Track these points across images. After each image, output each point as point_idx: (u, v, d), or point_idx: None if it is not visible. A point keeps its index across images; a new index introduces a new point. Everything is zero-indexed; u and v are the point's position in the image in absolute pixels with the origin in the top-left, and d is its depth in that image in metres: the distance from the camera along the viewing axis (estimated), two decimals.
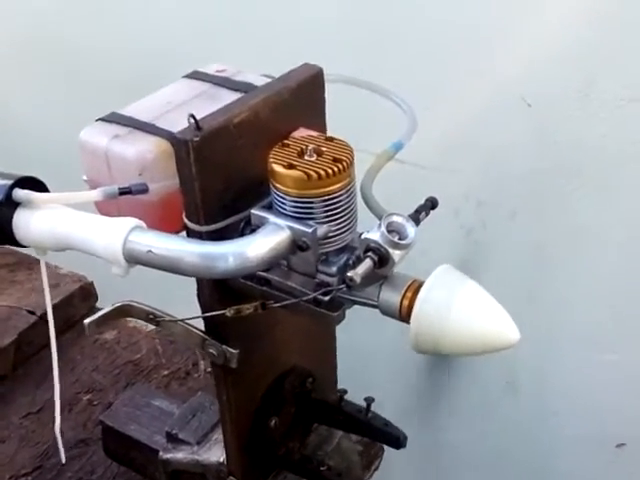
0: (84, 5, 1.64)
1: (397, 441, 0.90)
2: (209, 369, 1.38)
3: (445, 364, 1.50)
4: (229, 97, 0.82)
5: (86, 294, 1.52)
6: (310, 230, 0.69)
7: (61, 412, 0.92)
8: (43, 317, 1.40)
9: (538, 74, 1.28)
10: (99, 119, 0.81)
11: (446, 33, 1.28)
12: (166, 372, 1.37)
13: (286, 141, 0.73)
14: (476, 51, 1.28)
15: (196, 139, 0.70)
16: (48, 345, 0.86)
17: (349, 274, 0.67)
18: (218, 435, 1.01)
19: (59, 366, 0.88)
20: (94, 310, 1.52)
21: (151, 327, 1.50)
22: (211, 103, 0.81)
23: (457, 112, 1.32)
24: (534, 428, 1.56)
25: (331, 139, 0.73)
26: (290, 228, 0.70)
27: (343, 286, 0.71)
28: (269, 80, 0.85)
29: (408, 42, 1.29)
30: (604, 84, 1.23)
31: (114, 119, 0.80)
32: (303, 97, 0.81)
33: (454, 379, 1.57)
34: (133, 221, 0.71)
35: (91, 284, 1.54)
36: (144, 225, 0.72)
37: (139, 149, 0.76)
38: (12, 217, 0.74)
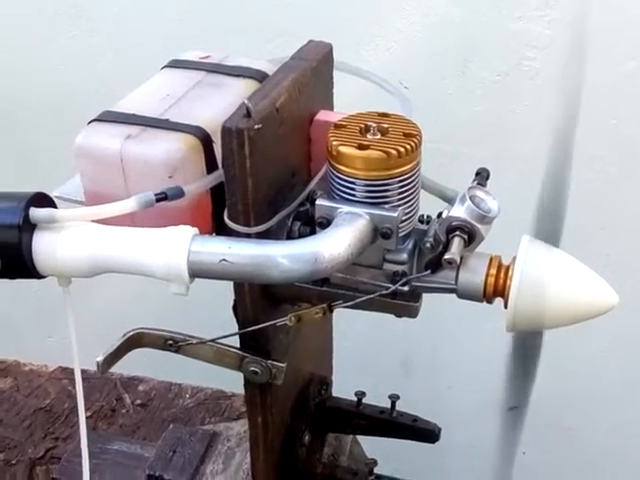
0: None
1: (432, 435, 0.85)
2: (137, 401, 1.25)
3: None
4: (233, 83, 0.74)
5: None
6: (395, 214, 0.63)
7: None
8: None
9: (414, 56, 1.29)
10: (94, 120, 0.69)
11: (324, 25, 1.26)
12: (88, 413, 1.22)
13: (339, 122, 0.66)
14: (355, 39, 1.27)
15: (256, 127, 0.61)
16: None
17: (446, 257, 0.62)
18: (213, 466, 0.92)
19: None
20: None
21: (53, 367, 1.34)
22: (217, 91, 0.73)
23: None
24: (430, 404, 1.57)
25: (386, 115, 0.67)
26: (370, 215, 0.63)
27: (427, 272, 0.65)
28: (261, 62, 0.77)
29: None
30: (479, 62, 1.27)
31: (113, 118, 0.69)
32: (321, 76, 0.74)
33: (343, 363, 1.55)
34: (188, 229, 0.61)
35: None
36: (197, 231, 0.62)
37: (166, 148, 0.65)
38: (31, 242, 0.60)
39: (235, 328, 0.73)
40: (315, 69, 0.72)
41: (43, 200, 0.62)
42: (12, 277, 0.62)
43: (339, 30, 1.27)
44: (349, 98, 0.82)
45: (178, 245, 0.59)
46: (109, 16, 1.35)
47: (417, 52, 1.29)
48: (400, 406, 0.89)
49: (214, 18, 1.29)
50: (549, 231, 0.69)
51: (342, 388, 0.94)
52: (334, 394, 0.92)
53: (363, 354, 1.51)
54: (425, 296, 0.71)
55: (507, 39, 1.24)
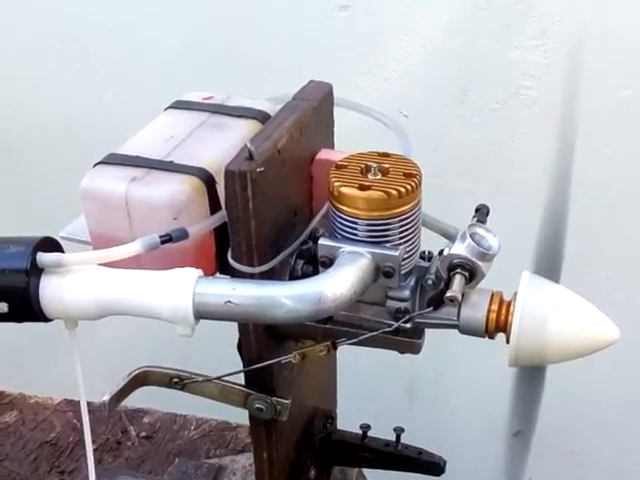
0: None
1: (437, 467, 0.85)
2: (142, 434, 1.25)
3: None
4: (237, 124, 0.75)
5: None
6: (397, 253, 0.64)
7: None
8: None
9: (412, 86, 1.31)
10: (99, 163, 0.70)
11: (323, 56, 1.28)
12: (94, 446, 1.22)
13: (340, 162, 0.67)
14: (353, 69, 1.29)
15: (259, 170, 0.62)
16: None
17: (448, 294, 0.63)
18: None
19: None
20: None
21: (58, 400, 1.35)
22: (220, 132, 0.74)
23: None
24: (434, 431, 1.57)
25: (386, 154, 0.68)
26: (372, 254, 0.64)
27: (429, 309, 0.66)
28: (263, 102, 0.78)
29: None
30: (477, 90, 1.28)
31: (118, 161, 0.70)
32: (321, 116, 0.75)
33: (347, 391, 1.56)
34: (193, 271, 0.62)
35: None
36: (202, 272, 0.63)
37: (170, 190, 0.66)
38: (38, 286, 0.61)
39: (239, 365, 0.74)
40: (316, 109, 0.73)
41: (50, 244, 0.63)
42: (19, 321, 0.63)
43: (337, 60, 1.28)
44: (348, 133, 0.83)
45: (183, 287, 0.60)
46: (112, 52, 1.37)
47: (415, 82, 1.30)
48: (404, 434, 0.89)
49: (213, 55, 1.31)
50: (550, 258, 0.70)
51: (346, 417, 0.95)
52: (338, 424, 0.92)
53: (366, 381, 1.52)
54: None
55: (504, 68, 1.25)
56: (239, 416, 1.23)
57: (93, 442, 1.21)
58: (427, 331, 0.72)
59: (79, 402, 1.28)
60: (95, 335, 1.33)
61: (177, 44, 1.33)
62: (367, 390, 1.51)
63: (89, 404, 0.72)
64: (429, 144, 1.30)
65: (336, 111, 0.82)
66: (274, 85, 0.82)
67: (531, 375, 0.75)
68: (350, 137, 0.80)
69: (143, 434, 1.24)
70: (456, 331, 0.75)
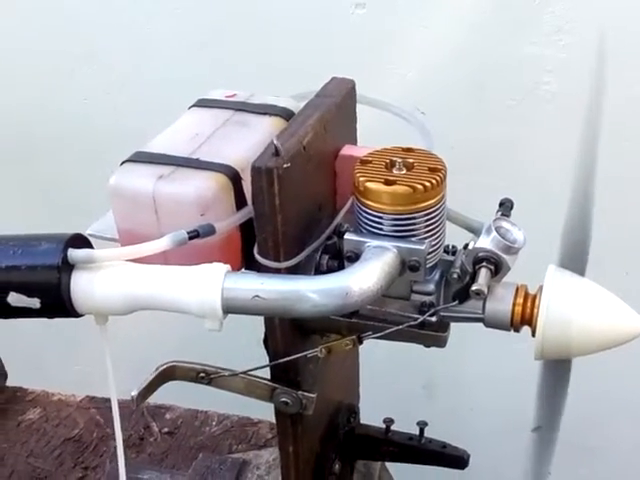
0: None
1: (461, 461, 0.86)
2: (164, 430, 1.26)
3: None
4: (260, 121, 0.76)
5: None
6: (422, 247, 0.64)
7: None
8: None
9: (430, 83, 1.31)
10: (125, 161, 0.71)
11: (340, 55, 1.28)
12: None
13: (365, 158, 0.67)
14: (371, 66, 1.29)
15: (285, 166, 0.62)
16: None
17: (474, 288, 0.63)
18: None
19: None
20: (4, 390, 1.35)
21: (81, 397, 1.36)
22: (244, 129, 0.75)
23: None
24: (452, 427, 1.57)
25: (410, 149, 0.68)
26: (397, 248, 0.64)
27: (454, 303, 0.67)
28: (286, 99, 0.79)
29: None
30: (495, 86, 1.28)
31: (145, 159, 0.71)
32: (345, 112, 0.76)
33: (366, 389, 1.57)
34: (221, 266, 0.62)
35: None
36: (229, 268, 0.63)
37: (197, 187, 0.67)
38: (69, 282, 0.62)
39: (265, 360, 0.75)
40: (339, 105, 0.73)
41: (80, 241, 0.64)
42: (50, 316, 0.64)
43: (353, 57, 1.29)
44: (370, 129, 0.84)
45: (212, 282, 0.61)
46: (128, 52, 1.38)
47: (433, 78, 1.31)
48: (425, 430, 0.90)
49: (229, 54, 1.32)
50: (574, 256, 0.70)
51: (365, 413, 0.95)
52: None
53: (385, 378, 1.52)
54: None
55: (522, 64, 1.25)
56: (260, 411, 1.24)
57: None
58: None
59: (101, 399, 1.30)
60: (118, 333, 1.34)
61: (193, 43, 1.34)
62: (385, 386, 1.51)
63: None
64: (447, 141, 1.29)
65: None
66: (293, 84, 0.82)
67: (556, 370, 0.75)
68: (371, 134, 0.81)
69: (165, 430, 1.25)
70: (475, 327, 0.76)
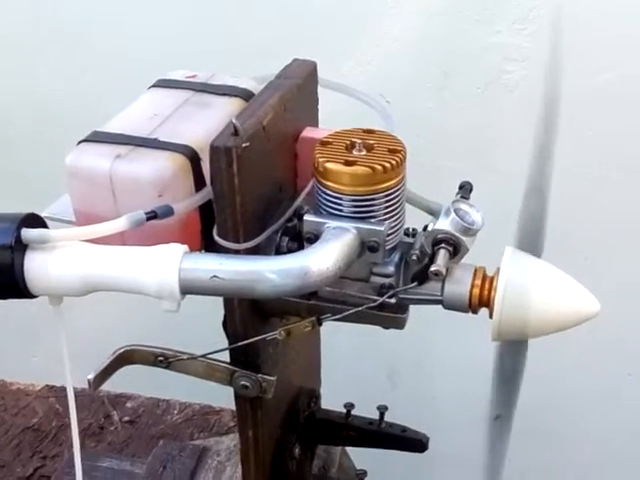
0: None
1: (421, 445, 0.86)
2: (125, 418, 1.25)
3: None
4: (220, 101, 0.75)
5: None
6: (382, 228, 0.64)
7: None
8: None
9: (394, 71, 1.31)
10: (82, 140, 0.70)
11: (305, 41, 1.28)
12: None
13: (325, 139, 0.67)
14: (335, 54, 1.29)
15: (244, 145, 0.62)
16: None
17: (433, 269, 0.64)
18: None
19: None
20: None
21: (40, 386, 1.34)
22: (204, 110, 0.74)
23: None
24: (415, 415, 1.58)
25: (371, 131, 0.68)
26: (357, 229, 0.64)
27: (413, 284, 0.67)
28: (247, 80, 0.78)
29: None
30: (459, 75, 1.29)
31: (102, 138, 0.70)
32: (306, 94, 0.75)
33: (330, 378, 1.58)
34: (179, 246, 0.62)
35: None
36: (187, 248, 0.63)
37: (155, 167, 0.66)
38: (23, 262, 0.61)
39: (224, 343, 0.74)
40: (300, 87, 0.73)
41: (34, 221, 0.62)
42: (3, 297, 0.63)
43: (319, 45, 1.28)
44: (332, 113, 0.83)
45: (169, 263, 0.60)
46: (95, 32, 1.36)
47: (397, 66, 1.31)
48: (387, 418, 0.90)
49: (194, 37, 1.30)
50: (531, 239, 0.71)
51: (328, 401, 0.95)
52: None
53: (349, 368, 1.52)
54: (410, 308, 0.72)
55: (486, 52, 1.26)
56: (222, 400, 1.23)
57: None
58: (409, 317, 0.72)
59: (60, 388, 1.28)
60: (74, 319, 1.33)
61: (160, 25, 1.32)
62: (349, 376, 1.51)
63: None
64: (412, 129, 1.30)
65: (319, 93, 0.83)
66: (256, 67, 0.82)
67: (511, 357, 0.75)
68: (333, 119, 0.80)
69: (126, 419, 1.24)
70: (438, 315, 0.76)
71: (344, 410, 0.89)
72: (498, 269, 0.66)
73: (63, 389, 1.26)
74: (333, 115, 0.82)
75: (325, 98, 0.82)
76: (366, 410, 0.92)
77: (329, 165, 0.64)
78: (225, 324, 0.72)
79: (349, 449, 0.97)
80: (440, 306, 0.69)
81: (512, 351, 0.76)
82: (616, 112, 1.21)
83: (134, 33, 1.35)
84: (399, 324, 0.69)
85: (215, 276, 0.60)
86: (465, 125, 1.32)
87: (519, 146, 1.21)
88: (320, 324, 0.68)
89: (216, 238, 0.67)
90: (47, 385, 1.31)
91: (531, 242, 0.70)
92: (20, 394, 1.30)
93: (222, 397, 0.97)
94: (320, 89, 0.81)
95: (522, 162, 0.96)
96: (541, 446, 1.54)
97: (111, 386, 1.31)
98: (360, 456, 0.99)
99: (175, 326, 1.07)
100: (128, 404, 1.27)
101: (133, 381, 1.32)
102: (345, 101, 0.83)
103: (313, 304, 0.69)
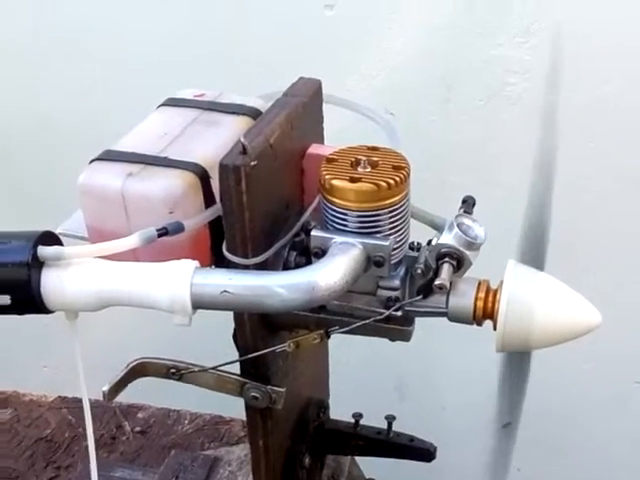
0: None
1: (428, 454, 0.87)
2: (137, 429, 1.27)
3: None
4: (228, 120, 0.77)
5: None
6: (387, 243, 0.66)
7: None
8: None
9: (398, 84, 1.33)
10: (94, 159, 0.72)
11: (310, 56, 1.30)
12: None
13: (331, 156, 0.69)
14: (340, 69, 1.30)
15: (252, 164, 0.64)
16: None
17: (437, 282, 0.65)
18: None
19: None
20: None
21: (52, 397, 1.36)
22: (213, 128, 0.76)
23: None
24: (424, 426, 1.60)
25: (375, 148, 0.70)
26: (363, 244, 0.66)
27: (419, 297, 0.68)
28: (254, 99, 0.80)
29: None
30: (462, 88, 1.31)
31: (114, 157, 0.71)
32: (311, 111, 0.77)
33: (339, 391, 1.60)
34: (190, 262, 0.64)
35: None
36: (198, 264, 0.64)
37: (166, 185, 0.68)
38: (39, 279, 0.63)
39: (235, 355, 0.76)
40: (306, 105, 0.75)
41: (49, 238, 0.64)
42: (21, 313, 0.65)
43: (322, 59, 1.30)
44: (338, 131, 0.85)
45: (181, 278, 0.62)
46: (101, 50, 1.38)
47: (401, 80, 1.32)
48: (395, 429, 0.91)
49: (199, 54, 1.32)
50: (534, 252, 0.73)
51: (338, 415, 0.97)
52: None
53: (357, 380, 1.53)
54: (416, 320, 0.74)
55: (488, 65, 1.27)
56: (232, 410, 1.25)
57: None
58: (416, 329, 0.74)
59: (73, 399, 1.30)
60: (89, 333, 1.35)
61: (165, 43, 1.35)
62: (358, 387, 1.52)
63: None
64: (416, 142, 1.31)
65: (324, 109, 0.84)
66: (261, 84, 0.84)
67: (516, 366, 0.77)
68: (338, 135, 0.82)
69: (137, 429, 1.26)
70: (445, 328, 0.78)
71: (353, 420, 0.91)
72: (501, 282, 0.68)
73: (75, 400, 1.28)
74: (339, 133, 0.84)
75: (331, 116, 0.84)
76: (375, 421, 0.93)
77: (335, 182, 0.66)
78: (235, 337, 0.74)
79: (358, 458, 0.99)
80: (446, 318, 0.71)
81: (517, 359, 0.77)
82: (616, 124, 1.23)
83: (136, 45, 1.37)
84: (405, 336, 0.70)
85: (225, 291, 0.62)
86: (468, 138, 1.34)
87: (522, 159, 1.23)
88: (328, 337, 0.70)
89: (225, 253, 0.69)
90: (59, 396, 1.33)
91: (533, 255, 0.71)
92: (33, 405, 1.32)
93: (232, 407, 0.98)
94: (326, 107, 0.83)
95: (524, 175, 0.98)
96: (549, 455, 1.55)
97: (123, 397, 1.32)
98: (369, 465, 1.00)
99: (187, 339, 1.09)
100: (139, 415, 1.29)
101: (144, 392, 1.35)
102: (351, 118, 0.85)
103: (321, 317, 0.71)
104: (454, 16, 1.26)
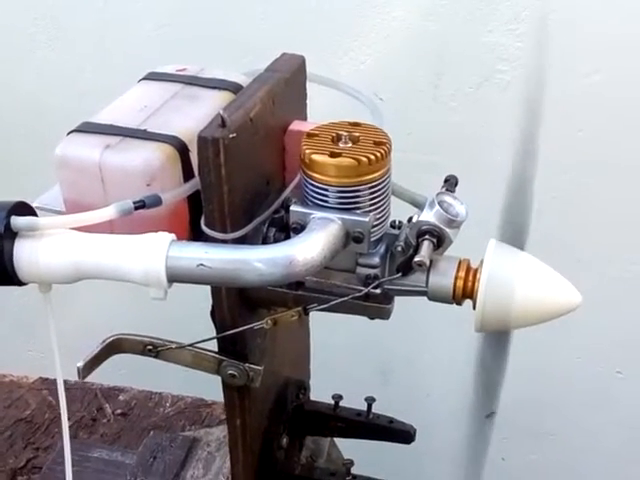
0: None
1: (408, 436, 0.87)
2: (117, 411, 1.26)
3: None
4: (209, 95, 0.76)
5: None
6: (367, 219, 0.65)
7: None
8: None
9: (388, 69, 1.32)
10: (72, 131, 0.71)
11: (298, 40, 1.29)
12: (69, 423, 1.23)
13: (311, 131, 0.68)
14: (329, 53, 1.30)
15: (231, 136, 0.63)
16: None
17: (417, 259, 0.64)
18: (193, 471, 0.94)
19: None
20: None
21: (33, 378, 1.35)
22: (193, 102, 0.75)
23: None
24: (409, 412, 1.59)
25: (357, 124, 0.69)
26: (342, 220, 0.65)
27: (398, 275, 0.68)
28: (236, 74, 0.79)
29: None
30: (451, 74, 1.30)
31: (93, 129, 0.71)
32: (294, 87, 0.76)
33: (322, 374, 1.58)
34: (166, 235, 0.63)
35: None
36: (175, 237, 0.64)
37: (144, 157, 0.67)
38: (12, 250, 0.62)
39: (213, 333, 0.75)
40: (289, 80, 0.74)
41: (24, 209, 0.63)
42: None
43: (313, 44, 1.29)
44: (322, 109, 0.84)
45: (156, 251, 0.61)
46: (86, 30, 1.37)
47: (391, 65, 1.32)
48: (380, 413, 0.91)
49: (188, 34, 1.31)
50: (515, 235, 0.72)
51: (322, 399, 0.96)
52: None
53: (342, 364, 1.53)
54: (400, 306, 0.73)
55: (479, 52, 1.27)
56: (214, 393, 1.24)
57: (68, 419, 1.21)
58: (401, 315, 0.73)
59: (53, 380, 1.28)
60: (68, 312, 1.34)
61: (152, 22, 1.33)
62: (342, 372, 1.52)
63: (64, 382, 0.72)
64: (404, 127, 1.31)
65: (309, 92, 0.83)
66: (247, 64, 0.83)
67: (494, 354, 0.76)
68: (322, 115, 0.81)
69: (118, 411, 1.25)
70: (431, 312, 0.77)
71: (332, 401, 0.90)
72: (482, 261, 0.67)
73: (56, 381, 1.27)
74: (323, 112, 0.83)
75: (315, 96, 0.83)
76: (359, 406, 0.93)
77: (315, 156, 0.65)
78: (213, 314, 0.73)
79: (338, 440, 0.98)
80: (432, 302, 0.70)
81: (494, 347, 0.77)
82: (606, 113, 1.22)
83: (123, 26, 1.36)
84: (384, 314, 0.70)
85: (202, 264, 0.61)
86: (457, 124, 1.33)
87: (511, 145, 1.23)
88: (307, 314, 0.69)
89: (203, 228, 0.68)
90: (40, 377, 1.32)
91: (515, 235, 0.71)
92: (13, 386, 1.31)
93: (214, 390, 0.97)
94: (312, 86, 0.82)
95: (509, 159, 0.98)
96: (534, 445, 1.55)
97: (104, 379, 1.32)
98: (349, 446, 1.00)
99: (165, 316, 1.08)
100: (121, 397, 1.28)
101: (126, 375, 1.34)
102: (338, 99, 0.85)
103: (300, 294, 0.70)
104: (444, 2, 1.25)
